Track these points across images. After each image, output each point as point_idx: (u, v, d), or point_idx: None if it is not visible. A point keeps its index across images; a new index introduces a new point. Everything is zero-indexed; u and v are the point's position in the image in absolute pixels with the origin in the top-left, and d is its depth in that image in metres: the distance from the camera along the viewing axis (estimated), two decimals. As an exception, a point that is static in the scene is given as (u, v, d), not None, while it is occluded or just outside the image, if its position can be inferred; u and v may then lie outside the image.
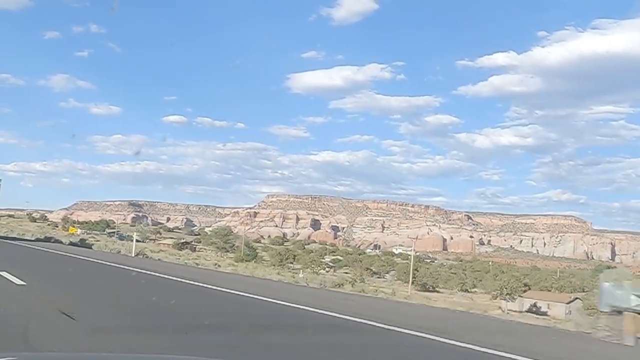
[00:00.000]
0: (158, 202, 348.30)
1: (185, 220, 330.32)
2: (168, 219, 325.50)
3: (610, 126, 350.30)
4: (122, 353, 6.22)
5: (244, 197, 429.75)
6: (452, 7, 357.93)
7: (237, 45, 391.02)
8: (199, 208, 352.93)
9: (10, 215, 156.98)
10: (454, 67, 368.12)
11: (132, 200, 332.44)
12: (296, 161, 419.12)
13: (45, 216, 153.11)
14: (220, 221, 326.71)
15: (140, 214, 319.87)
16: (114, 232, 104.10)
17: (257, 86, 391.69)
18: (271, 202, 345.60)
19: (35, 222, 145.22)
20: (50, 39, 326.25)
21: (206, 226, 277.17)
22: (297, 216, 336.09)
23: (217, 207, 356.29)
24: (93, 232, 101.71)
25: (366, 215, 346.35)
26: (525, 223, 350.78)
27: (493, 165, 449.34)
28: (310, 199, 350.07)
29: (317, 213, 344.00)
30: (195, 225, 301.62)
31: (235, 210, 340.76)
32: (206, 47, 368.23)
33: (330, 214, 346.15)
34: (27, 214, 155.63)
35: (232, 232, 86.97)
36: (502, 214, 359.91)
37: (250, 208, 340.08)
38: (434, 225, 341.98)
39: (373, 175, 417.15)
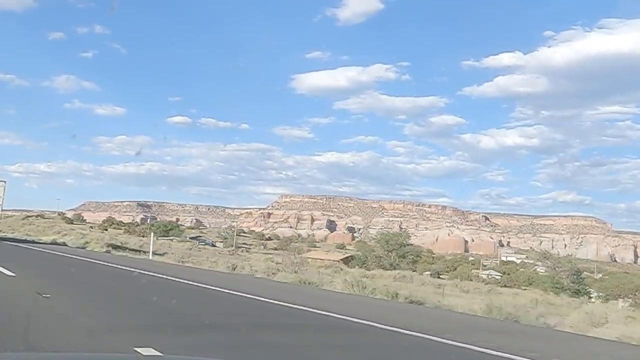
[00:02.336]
0: (166, 203, 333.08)
1: (194, 221, 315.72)
2: (177, 220, 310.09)
3: (616, 127, 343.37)
4: (122, 353, 5.92)
5: (248, 198, 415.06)
6: (457, 7, 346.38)
7: (242, 45, 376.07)
8: (208, 209, 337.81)
9: (39, 216, 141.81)
10: (459, 67, 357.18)
11: (140, 201, 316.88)
12: (300, 162, 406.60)
13: (82, 216, 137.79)
14: (233, 222, 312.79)
15: (149, 215, 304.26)
16: (196, 238, 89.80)
17: (262, 87, 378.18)
18: (285, 202, 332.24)
19: (72, 223, 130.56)
20: (55, 39, 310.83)
21: (215, 227, 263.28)
22: (312, 217, 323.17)
23: (227, 208, 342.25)
24: (169, 238, 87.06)
25: (382, 216, 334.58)
26: (544, 224, 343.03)
27: (498, 166, 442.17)
28: (324, 199, 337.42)
29: (332, 214, 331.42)
30: (206, 227, 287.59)
31: (248, 210, 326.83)
32: (210, 48, 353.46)
33: (346, 215, 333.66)
34: (59, 214, 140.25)
35: (408, 238, 71.05)
36: (520, 215, 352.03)
37: (263, 209, 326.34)
38: (452, 226, 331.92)
39: (377, 176, 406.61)
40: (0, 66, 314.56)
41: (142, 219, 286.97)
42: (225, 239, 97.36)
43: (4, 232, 68.30)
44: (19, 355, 4.86)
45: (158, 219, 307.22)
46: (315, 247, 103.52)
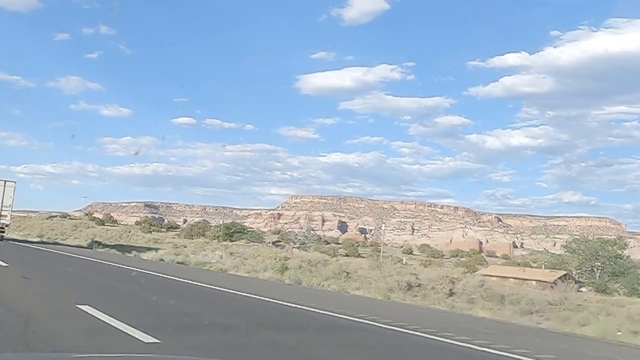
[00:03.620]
0: (174, 204, 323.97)
1: (202, 222, 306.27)
2: (185, 221, 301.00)
3: (622, 127, 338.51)
4: (122, 353, 5.98)
5: (253, 199, 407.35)
6: (463, 7, 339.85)
7: (247, 46, 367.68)
8: (216, 209, 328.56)
9: (64, 216, 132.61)
10: (464, 67, 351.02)
11: (147, 202, 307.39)
12: (305, 163, 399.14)
13: (112, 216, 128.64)
14: (242, 223, 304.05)
15: (157, 216, 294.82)
16: (275, 243, 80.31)
17: (267, 87, 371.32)
18: (295, 203, 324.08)
19: (103, 224, 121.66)
20: (60, 40, 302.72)
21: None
22: (322, 218, 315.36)
23: (234, 209, 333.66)
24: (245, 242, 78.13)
25: (394, 217, 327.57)
26: (558, 225, 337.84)
27: (503, 166, 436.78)
28: (335, 200, 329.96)
29: (343, 215, 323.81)
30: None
31: (257, 211, 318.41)
32: (215, 48, 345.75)
33: (357, 216, 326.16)
34: (86, 214, 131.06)
35: (624, 247, 54.37)
36: (533, 216, 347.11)
37: (273, 209, 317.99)
38: (466, 227, 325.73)
39: (382, 177, 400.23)
40: (6, 67, 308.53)
41: (150, 219, 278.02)
42: (304, 243, 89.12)
43: (48, 237, 58.36)
44: (19, 355, 4.77)
45: (166, 220, 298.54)
46: (434, 254, 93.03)
